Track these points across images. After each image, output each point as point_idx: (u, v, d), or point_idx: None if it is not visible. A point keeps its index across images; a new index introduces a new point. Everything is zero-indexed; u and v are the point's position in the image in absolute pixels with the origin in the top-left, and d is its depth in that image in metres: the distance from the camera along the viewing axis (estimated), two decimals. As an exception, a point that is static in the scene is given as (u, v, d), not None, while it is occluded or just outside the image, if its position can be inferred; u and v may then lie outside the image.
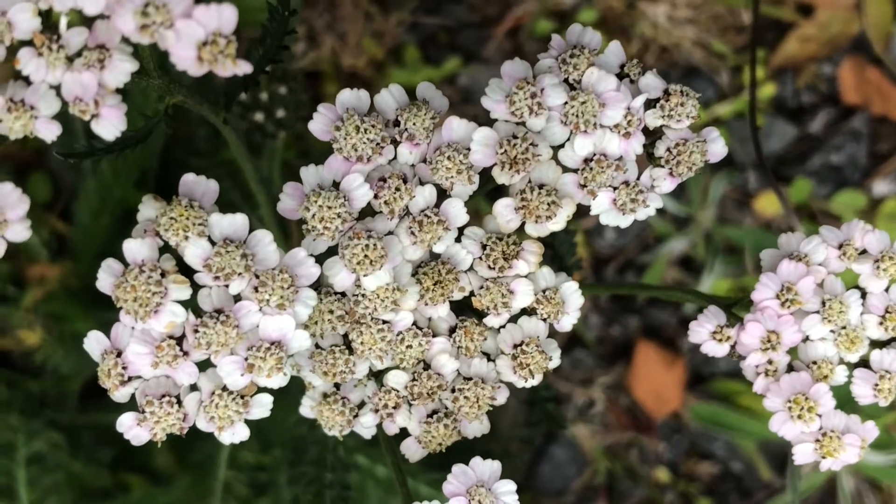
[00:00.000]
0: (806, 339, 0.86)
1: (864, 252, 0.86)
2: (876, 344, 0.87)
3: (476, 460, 0.82)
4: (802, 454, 0.86)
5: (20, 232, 0.69)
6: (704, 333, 0.86)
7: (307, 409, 0.87)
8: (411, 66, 1.98)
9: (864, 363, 0.87)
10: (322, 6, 1.97)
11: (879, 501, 2.05)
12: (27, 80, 0.68)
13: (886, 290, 0.87)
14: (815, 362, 0.86)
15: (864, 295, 0.86)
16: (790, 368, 0.86)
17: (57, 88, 0.68)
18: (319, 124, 0.79)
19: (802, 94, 2.02)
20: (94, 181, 1.83)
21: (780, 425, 0.85)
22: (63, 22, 0.67)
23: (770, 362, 0.86)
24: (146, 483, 1.89)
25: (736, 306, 0.89)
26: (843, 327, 0.86)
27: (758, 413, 2.02)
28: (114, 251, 1.96)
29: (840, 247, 0.85)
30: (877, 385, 0.87)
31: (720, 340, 0.86)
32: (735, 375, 2.05)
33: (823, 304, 0.85)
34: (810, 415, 0.85)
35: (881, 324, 0.86)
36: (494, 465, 0.82)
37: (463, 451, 0.90)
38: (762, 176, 2.01)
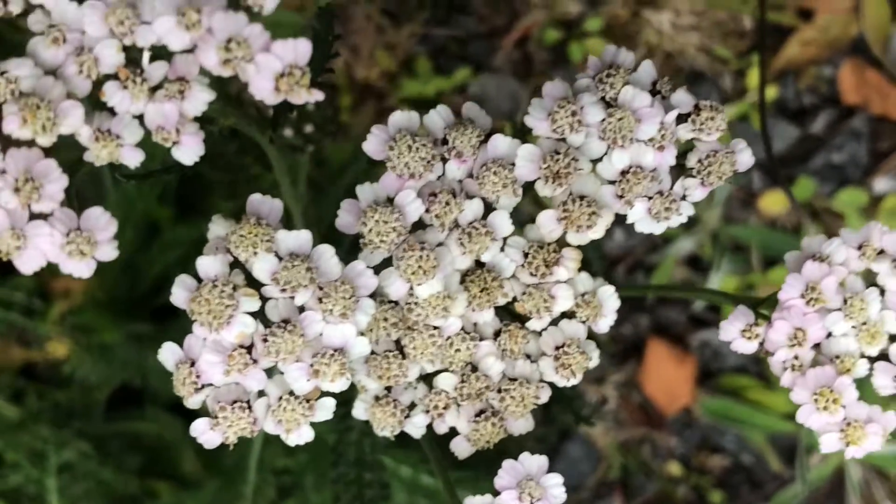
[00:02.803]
0: (829, 335, 0.91)
1: (881, 252, 0.90)
2: (895, 338, 0.91)
3: (524, 455, 0.87)
4: (828, 443, 0.91)
5: (109, 252, 0.73)
6: (735, 332, 0.90)
7: (360, 411, 0.91)
8: (423, 76, 2.03)
9: (883, 356, 0.92)
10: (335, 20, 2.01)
11: (887, 490, 2.10)
12: (112, 111, 0.73)
13: (904, 287, 0.91)
14: (838, 356, 0.90)
15: (882, 292, 0.90)
16: (815, 363, 0.91)
17: (140, 118, 0.73)
18: (373, 144, 0.84)
19: (804, 96, 2.07)
20: (118, 195, 1.87)
21: (807, 416, 0.90)
22: (145, 56, 0.71)
23: (796, 357, 0.90)
24: (174, 489, 1.93)
25: (762, 305, 0.93)
26: (864, 323, 0.90)
27: (766, 406, 2.07)
28: (139, 264, 1.99)
29: (860, 247, 0.90)
30: None
31: (749, 338, 0.90)
32: (743, 370, 2.10)
33: (845, 301, 0.89)
34: (835, 406, 0.89)
35: (899, 319, 0.91)
36: (542, 460, 0.87)
37: (480, 451, 0.95)
38: (766, 176, 2.06)
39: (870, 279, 0.91)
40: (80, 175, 0.74)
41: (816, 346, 0.91)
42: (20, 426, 1.86)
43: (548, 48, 2.04)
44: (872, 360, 0.91)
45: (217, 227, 0.82)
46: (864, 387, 0.91)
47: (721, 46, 2.04)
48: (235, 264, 0.81)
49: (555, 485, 0.86)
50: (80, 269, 0.73)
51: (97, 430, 1.92)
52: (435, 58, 2.05)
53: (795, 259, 0.90)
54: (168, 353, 0.82)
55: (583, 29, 2.03)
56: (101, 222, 0.73)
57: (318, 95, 0.71)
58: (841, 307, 0.89)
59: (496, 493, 0.86)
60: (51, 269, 2.00)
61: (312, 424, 0.84)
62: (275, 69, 0.69)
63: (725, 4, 2.02)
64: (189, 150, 0.74)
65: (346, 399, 0.92)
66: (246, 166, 1.48)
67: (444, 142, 0.84)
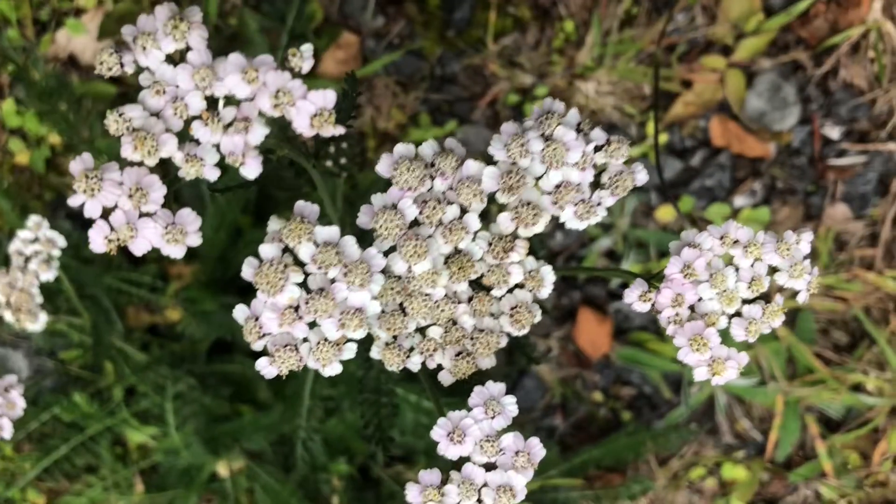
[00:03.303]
0: (700, 299, 0.89)
1: (736, 241, 0.89)
2: (745, 301, 0.89)
3: (489, 383, 0.85)
4: (700, 374, 0.89)
5: (195, 240, 0.72)
6: (635, 296, 0.88)
7: (376, 353, 0.89)
8: (424, 127, 2.01)
9: (738, 314, 0.90)
10: (363, 87, 2.00)
11: (743, 410, 2.09)
12: (197, 142, 0.71)
13: (751, 265, 0.89)
14: (706, 314, 0.88)
15: (736, 269, 0.89)
16: (690, 319, 0.89)
17: (217, 146, 0.71)
18: (383, 166, 0.82)
19: (685, 140, 2.06)
20: (214, 208, 1.85)
21: (685, 355, 0.88)
22: (221, 103, 0.70)
23: (677, 314, 0.88)
24: (253, 410, 1.91)
25: (653, 279, 0.91)
26: (724, 291, 0.88)
27: (660, 353, 2.06)
28: (229, 256, 1.96)
29: (721, 238, 0.88)
30: (747, 328, 0.89)
31: (644, 301, 0.88)
32: (645, 329, 2.08)
33: (711, 275, 0.87)
34: (704, 348, 0.87)
35: (749, 287, 0.89)
36: (501, 386, 0.85)
37: (464, 384, 0.93)
38: (660, 195, 2.04)
39: (728, 260, 0.90)
40: (176, 186, 0.72)
41: (691, 307, 0.89)
42: (147, 367, 1.84)
43: (510, 107, 2.02)
44: (730, 316, 0.90)
45: (274, 224, 0.80)
46: (725, 335, 0.90)
47: (629, 106, 2.02)
48: (286, 250, 0.79)
49: (509, 403, 0.85)
50: (175, 251, 0.71)
51: (200, 370, 1.91)
52: (432, 114, 2.03)
53: (677, 246, 0.88)
54: (240, 312, 0.80)
55: (534, 94, 2.01)
56: (190, 219, 0.71)
57: (340, 130, 0.69)
58: (708, 279, 0.88)
59: (470, 409, 0.85)
60: (168, 259, 1.97)
61: (341, 362, 0.83)
62: (310, 111, 0.67)
63: (632, 77, 2.00)
64: (251, 169, 0.72)
65: (367, 345, 0.90)
66: (300, 186, 1.46)
67: (433, 165, 0.83)
